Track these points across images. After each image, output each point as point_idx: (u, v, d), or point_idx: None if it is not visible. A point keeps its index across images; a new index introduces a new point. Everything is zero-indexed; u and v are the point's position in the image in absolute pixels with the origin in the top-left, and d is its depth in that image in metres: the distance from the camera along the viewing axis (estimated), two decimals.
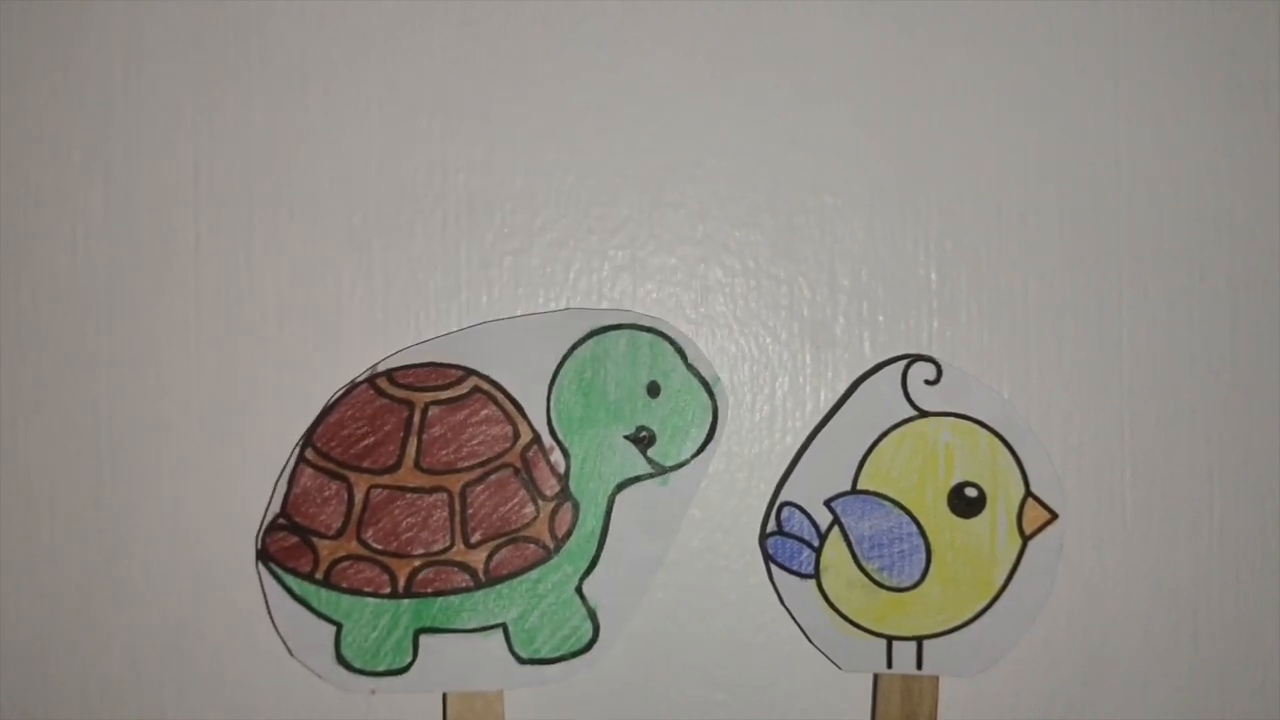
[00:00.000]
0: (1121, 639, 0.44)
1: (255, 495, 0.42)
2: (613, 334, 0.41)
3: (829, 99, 0.43)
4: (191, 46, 0.42)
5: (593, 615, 0.41)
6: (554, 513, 0.41)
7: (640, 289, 0.43)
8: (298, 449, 0.41)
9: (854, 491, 0.41)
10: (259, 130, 0.42)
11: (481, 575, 0.41)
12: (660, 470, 0.41)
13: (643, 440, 0.41)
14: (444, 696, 0.41)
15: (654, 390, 0.41)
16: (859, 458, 0.41)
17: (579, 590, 0.41)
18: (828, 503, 0.41)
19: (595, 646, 0.41)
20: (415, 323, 0.42)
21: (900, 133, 0.43)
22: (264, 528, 0.41)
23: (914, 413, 0.41)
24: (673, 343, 0.41)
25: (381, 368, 0.41)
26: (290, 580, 0.41)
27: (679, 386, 0.41)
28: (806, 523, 0.41)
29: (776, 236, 0.43)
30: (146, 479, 0.42)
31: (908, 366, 0.41)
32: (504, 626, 0.41)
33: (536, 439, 0.41)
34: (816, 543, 0.41)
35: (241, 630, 0.42)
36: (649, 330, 0.41)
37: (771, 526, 0.41)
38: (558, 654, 0.41)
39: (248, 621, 0.42)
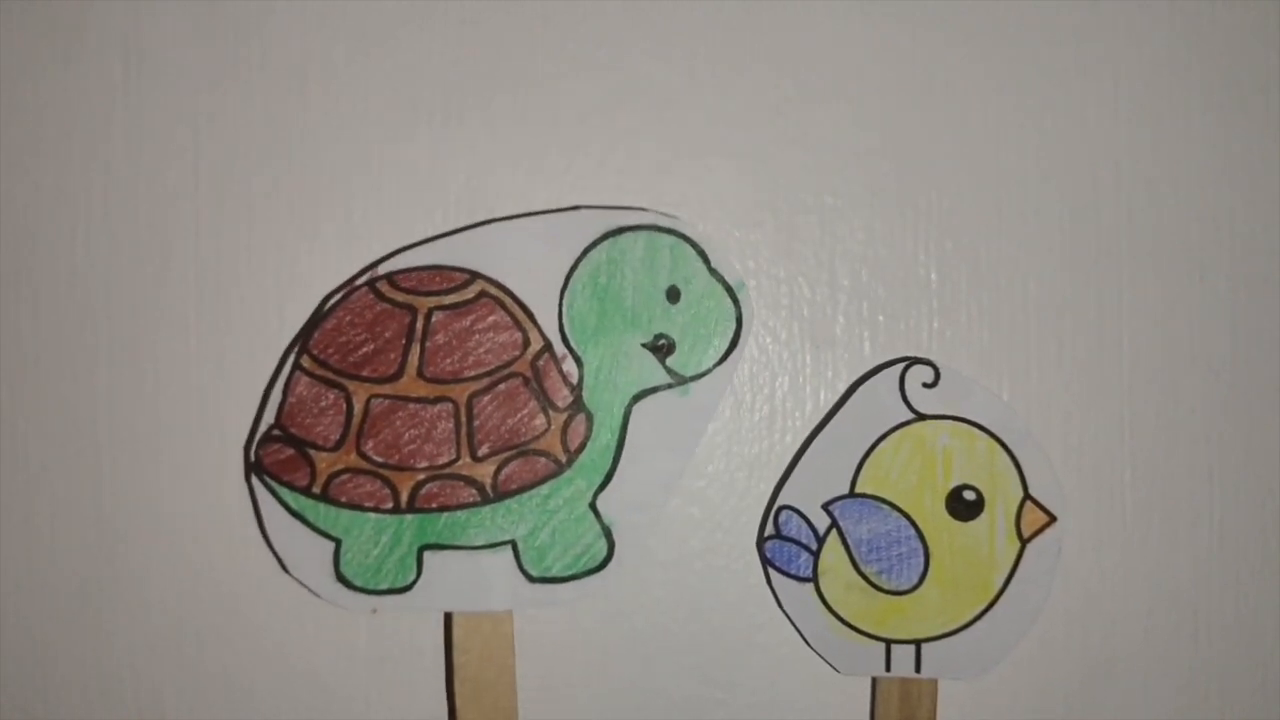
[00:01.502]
0: (1121, 639, 0.44)
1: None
2: (630, 235, 0.39)
3: (829, 99, 0.43)
4: (191, 46, 0.42)
5: (607, 532, 0.39)
6: (566, 424, 0.39)
7: None
8: (293, 356, 0.39)
9: (852, 495, 0.41)
10: (259, 130, 0.42)
11: (489, 490, 0.39)
12: (680, 380, 0.39)
13: (661, 349, 0.39)
14: (449, 617, 0.40)
15: (674, 295, 0.39)
16: (857, 461, 0.41)
17: (593, 506, 0.39)
18: (825, 506, 0.41)
19: (610, 565, 0.39)
20: None
21: (900, 133, 0.43)
22: (257, 439, 0.39)
23: (912, 416, 0.41)
24: (695, 245, 0.39)
25: (381, 270, 0.39)
26: (286, 494, 0.39)
27: (701, 291, 0.39)
28: (804, 526, 0.41)
29: (776, 236, 0.43)
30: (146, 479, 0.42)
31: (906, 369, 0.41)
32: (513, 544, 0.39)
33: (548, 347, 0.39)
34: (814, 546, 0.41)
35: (242, 630, 0.42)
36: (669, 231, 0.39)
37: (769, 530, 0.41)
38: (570, 572, 0.39)
39: (249, 622, 0.42)
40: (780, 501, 0.41)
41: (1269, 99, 0.44)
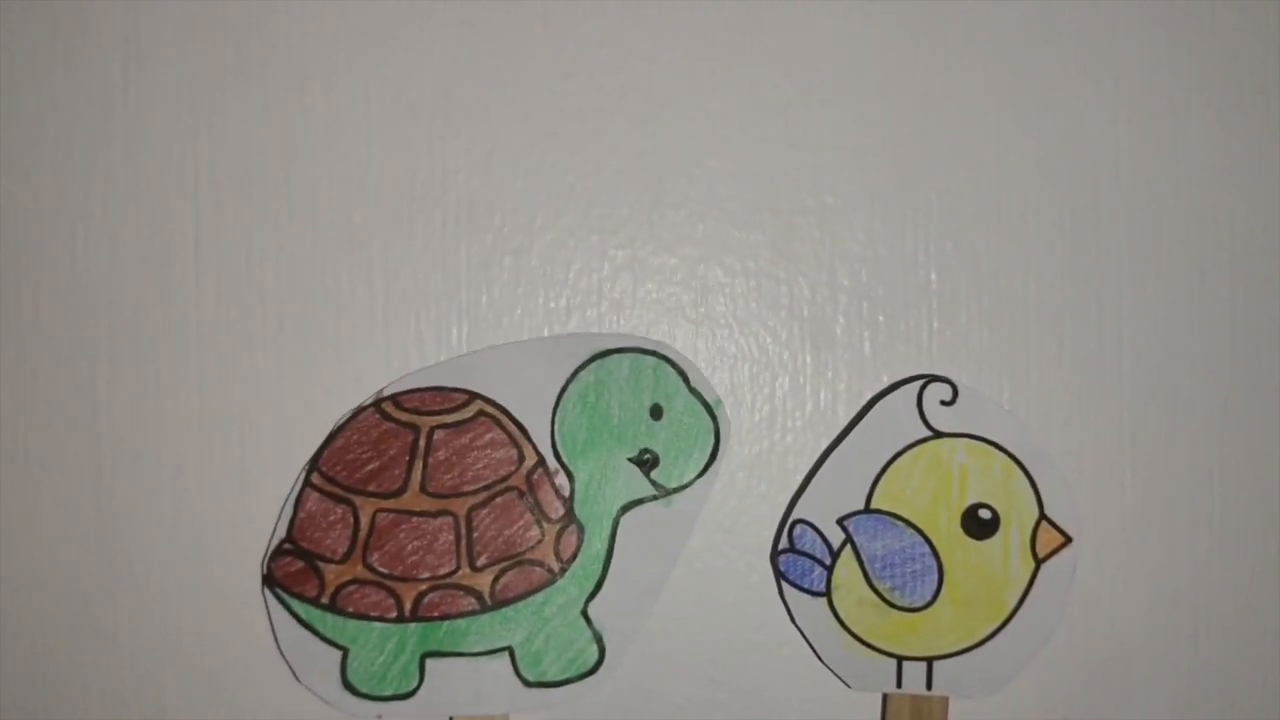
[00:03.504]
0: (1121, 640, 0.44)
1: (255, 495, 0.42)
2: (616, 357, 0.41)
3: (829, 99, 0.43)
4: (191, 46, 0.42)
5: (599, 638, 0.41)
6: (559, 535, 0.41)
7: (640, 289, 0.43)
8: (303, 473, 0.41)
9: (867, 510, 0.41)
10: (259, 130, 0.42)
11: (488, 598, 0.41)
12: (664, 492, 0.41)
13: (646, 463, 0.41)
14: None
15: (657, 413, 0.41)
16: (873, 477, 0.41)
17: (584, 613, 0.41)
18: (840, 521, 0.41)
19: (601, 669, 0.41)
20: (415, 322, 0.42)
21: (900, 133, 0.43)
22: (269, 553, 0.41)
23: (929, 433, 0.41)
24: (675, 366, 0.41)
25: (387, 392, 0.41)
26: (296, 605, 0.41)
27: (682, 409, 0.41)
28: (819, 541, 0.41)
29: (776, 236, 0.43)
30: (147, 480, 0.42)
31: (924, 387, 0.41)
32: (510, 650, 0.41)
33: (541, 462, 0.41)
34: (828, 561, 0.41)
35: (242, 631, 0.42)
36: (652, 354, 0.41)
37: (783, 544, 0.41)
38: (564, 677, 0.41)
39: (249, 623, 0.42)
40: (795, 515, 0.41)
41: (1269, 99, 0.44)
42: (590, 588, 0.41)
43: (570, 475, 0.41)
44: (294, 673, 0.41)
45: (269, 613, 0.41)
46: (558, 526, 0.41)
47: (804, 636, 0.41)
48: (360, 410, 0.41)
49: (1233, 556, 0.44)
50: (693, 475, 0.41)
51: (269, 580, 0.41)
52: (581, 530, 0.41)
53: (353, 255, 0.42)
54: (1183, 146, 0.44)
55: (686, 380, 0.41)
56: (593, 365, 0.41)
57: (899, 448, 0.41)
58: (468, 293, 0.43)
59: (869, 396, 0.43)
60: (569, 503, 0.41)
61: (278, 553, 0.41)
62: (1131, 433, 0.44)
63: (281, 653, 0.41)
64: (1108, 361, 0.44)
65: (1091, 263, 0.44)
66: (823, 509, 0.41)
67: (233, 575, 0.42)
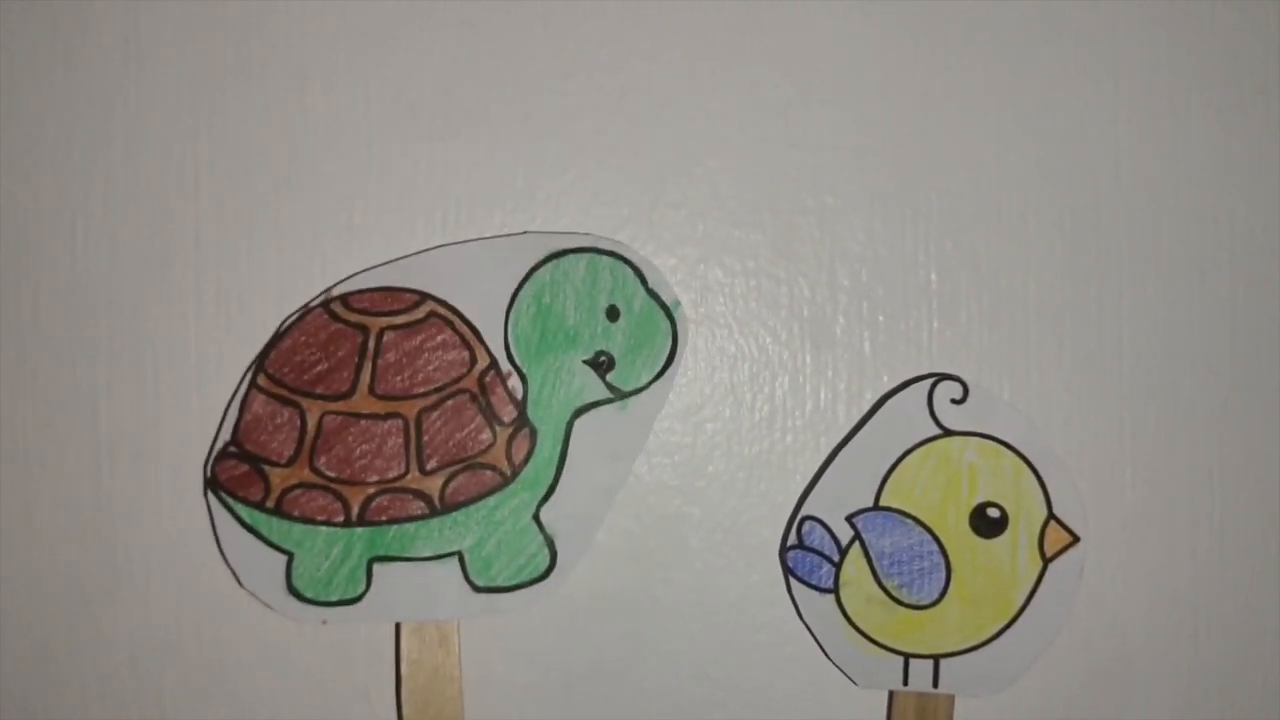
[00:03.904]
0: (1121, 640, 0.44)
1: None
2: (572, 257, 0.40)
3: (829, 99, 0.43)
4: (191, 46, 0.42)
5: (550, 543, 0.40)
6: (511, 439, 0.40)
7: None
8: (249, 374, 0.40)
9: (876, 508, 0.41)
10: (259, 130, 0.42)
11: (437, 502, 0.40)
12: (620, 395, 0.40)
13: (602, 365, 0.40)
14: (397, 627, 0.41)
15: (613, 314, 0.40)
16: (882, 474, 0.41)
17: (536, 517, 0.40)
18: (849, 518, 0.41)
19: (552, 574, 0.40)
20: None
21: (900, 133, 0.43)
22: (213, 455, 0.40)
23: (939, 431, 0.41)
24: (633, 266, 0.40)
25: (335, 292, 0.40)
26: (240, 509, 0.40)
27: (639, 310, 0.40)
28: (827, 537, 0.41)
29: (776, 236, 0.43)
30: (146, 478, 0.42)
31: (934, 385, 0.41)
32: (459, 555, 0.40)
33: (494, 364, 0.40)
34: (837, 558, 0.41)
35: (243, 628, 0.42)
36: (609, 254, 0.40)
37: (792, 540, 0.41)
38: (514, 582, 0.40)
39: (249, 620, 0.42)
40: (804, 512, 0.41)
41: (1269, 99, 0.44)
42: (542, 492, 0.40)
43: (524, 378, 0.40)
44: (237, 578, 0.40)
45: (211, 517, 0.40)
46: (510, 430, 0.40)
47: (811, 633, 0.41)
48: (308, 310, 0.40)
49: (1233, 556, 0.44)
50: (649, 378, 0.40)
51: (212, 484, 0.40)
52: (534, 434, 0.40)
53: (353, 255, 0.42)
54: (1183, 146, 0.44)
55: (644, 281, 0.40)
56: (548, 265, 0.40)
57: (909, 445, 0.41)
58: None
59: (869, 396, 0.43)
60: (522, 406, 0.40)
61: (222, 455, 0.40)
62: (1131, 433, 0.44)
63: (224, 557, 0.40)
64: (1108, 361, 0.44)
65: (1091, 263, 0.44)
66: (832, 505, 0.41)
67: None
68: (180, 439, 0.42)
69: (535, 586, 0.40)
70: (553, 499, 0.40)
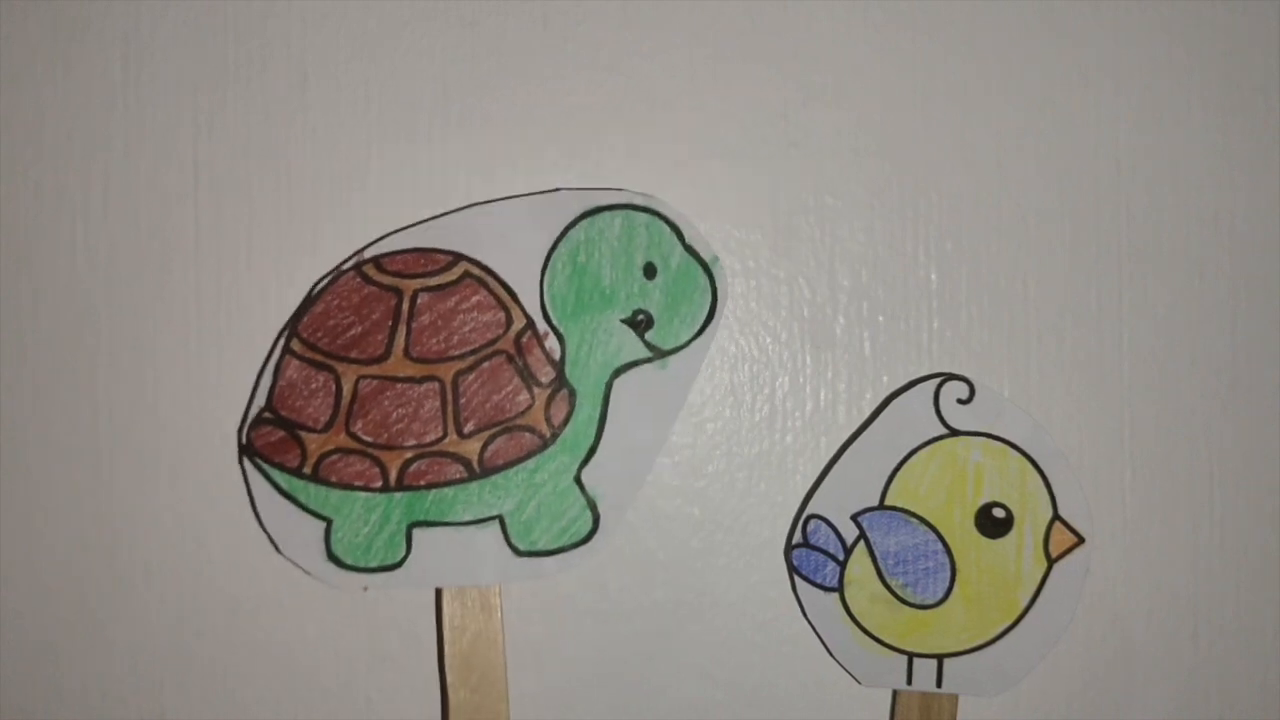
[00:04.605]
0: (1122, 640, 0.44)
1: None
2: (607, 214, 0.40)
3: (830, 100, 0.43)
4: (191, 46, 0.42)
5: (592, 505, 0.40)
6: (550, 400, 0.39)
7: None
8: (282, 340, 0.40)
9: (881, 507, 0.41)
10: (259, 130, 0.42)
11: (476, 466, 0.39)
12: (659, 354, 0.40)
13: (640, 324, 0.40)
14: (438, 592, 0.40)
15: (651, 272, 0.40)
16: (888, 474, 0.41)
17: (577, 479, 0.40)
18: (855, 517, 0.41)
19: (595, 537, 0.40)
20: None
21: (900, 133, 0.43)
22: (249, 422, 0.40)
23: (945, 431, 0.41)
24: (670, 222, 0.40)
25: (368, 254, 0.40)
26: (277, 475, 0.39)
27: (676, 267, 0.40)
28: (832, 536, 0.41)
29: (776, 236, 0.43)
30: (146, 479, 0.42)
31: (940, 385, 0.41)
32: (500, 518, 0.40)
33: (530, 325, 0.40)
34: (842, 556, 0.41)
35: (244, 627, 0.42)
36: (645, 210, 0.40)
37: (797, 538, 0.41)
38: (556, 545, 0.40)
39: (250, 619, 0.42)
40: (809, 510, 0.41)
41: (1269, 99, 0.44)
42: (583, 454, 0.40)
43: (561, 338, 0.40)
44: (275, 545, 0.40)
45: (247, 484, 0.40)
46: (548, 391, 0.39)
47: (815, 632, 0.41)
48: (340, 273, 0.40)
49: (1233, 556, 0.44)
50: (689, 336, 0.40)
51: (248, 450, 0.39)
52: (573, 394, 0.39)
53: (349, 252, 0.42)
54: (1183, 146, 0.44)
55: (681, 237, 0.40)
56: (583, 223, 0.40)
57: (915, 445, 0.41)
58: None
59: (869, 397, 0.43)
60: (560, 366, 0.39)
61: (258, 421, 0.39)
62: (1131, 433, 0.44)
63: (262, 524, 0.40)
64: (1108, 361, 0.44)
65: (1091, 263, 0.44)
66: (837, 504, 0.41)
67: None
68: (180, 439, 0.42)
69: (578, 549, 0.40)
70: (594, 460, 0.40)
